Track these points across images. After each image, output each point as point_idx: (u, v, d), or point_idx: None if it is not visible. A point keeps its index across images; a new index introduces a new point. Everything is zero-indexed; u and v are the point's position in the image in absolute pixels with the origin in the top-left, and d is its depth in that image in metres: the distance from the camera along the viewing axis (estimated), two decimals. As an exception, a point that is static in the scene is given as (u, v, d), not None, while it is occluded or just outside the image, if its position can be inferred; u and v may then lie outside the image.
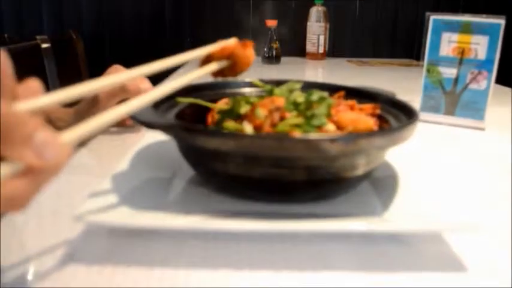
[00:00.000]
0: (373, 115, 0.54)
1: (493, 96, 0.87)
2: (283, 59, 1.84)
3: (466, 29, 0.86)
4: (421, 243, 0.43)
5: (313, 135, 0.41)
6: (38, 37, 1.41)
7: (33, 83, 0.27)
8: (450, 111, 0.91)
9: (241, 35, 2.15)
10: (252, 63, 0.52)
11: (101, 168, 0.59)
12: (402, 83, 1.48)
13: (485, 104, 0.87)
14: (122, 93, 0.71)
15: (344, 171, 0.43)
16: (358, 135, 0.38)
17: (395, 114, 0.53)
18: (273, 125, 0.49)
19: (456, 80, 0.89)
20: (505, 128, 0.87)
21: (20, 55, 1.30)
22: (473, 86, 0.88)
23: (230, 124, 0.49)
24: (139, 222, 0.38)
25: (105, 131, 0.76)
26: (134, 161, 0.54)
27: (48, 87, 1.55)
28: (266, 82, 0.63)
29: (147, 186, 0.48)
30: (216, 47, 0.52)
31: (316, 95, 0.50)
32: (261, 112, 0.49)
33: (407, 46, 2.16)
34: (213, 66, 0.51)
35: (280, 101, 0.52)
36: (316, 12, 1.90)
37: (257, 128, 0.47)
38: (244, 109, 0.48)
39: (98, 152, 0.69)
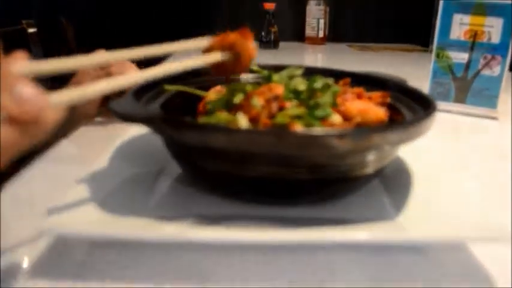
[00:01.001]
0: (382, 104, 0.48)
1: (506, 83, 0.81)
2: (282, 44, 1.77)
3: (479, 10, 0.80)
4: (439, 251, 0.37)
5: (318, 130, 0.35)
6: (23, 21, 1.34)
7: (20, 54, 0.28)
8: (460, 99, 0.85)
9: (237, 17, 2.08)
10: (255, 57, 0.46)
11: (78, 164, 0.53)
12: (406, 68, 1.42)
13: (499, 92, 0.81)
14: None
15: (353, 170, 0.37)
16: (370, 129, 0.33)
17: (407, 103, 0.47)
18: (271, 116, 0.44)
19: (467, 66, 0.83)
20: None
21: (3, 39, 1.23)
22: (485, 71, 0.82)
23: (222, 115, 0.43)
24: (114, 232, 0.32)
25: (90, 121, 0.70)
26: (116, 156, 0.49)
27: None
28: (263, 67, 0.57)
29: (128, 186, 0.42)
30: (214, 39, 0.46)
31: (319, 81, 0.44)
32: (257, 101, 0.43)
33: (410, 31, 2.09)
34: (215, 56, 0.45)
35: (278, 89, 0.46)
36: (315, -5, 1.83)
37: (253, 120, 0.42)
38: (238, 98, 0.43)
39: (78, 144, 0.63)
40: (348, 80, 0.52)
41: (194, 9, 2.04)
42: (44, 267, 0.33)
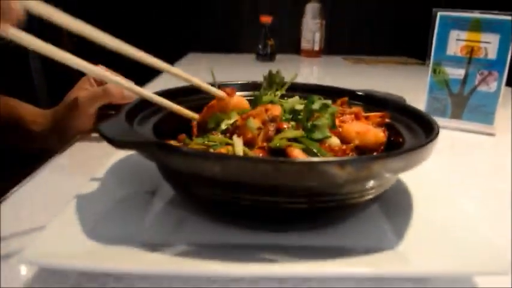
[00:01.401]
0: (381, 124, 0.47)
1: (503, 99, 0.80)
2: (278, 57, 1.77)
3: (476, 26, 0.80)
4: (442, 282, 0.36)
5: (317, 158, 0.33)
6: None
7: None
8: (457, 115, 0.84)
9: (235, 30, 2.08)
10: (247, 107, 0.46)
11: (70, 184, 0.52)
12: (402, 82, 1.42)
13: (495, 108, 0.81)
14: (104, 98, 0.64)
15: (352, 197, 0.36)
16: (372, 157, 0.32)
17: (406, 123, 0.46)
18: (268, 139, 0.42)
19: (464, 81, 0.82)
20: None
21: (2, 51, 1.22)
22: (482, 87, 0.81)
23: (217, 138, 0.42)
24: (100, 266, 0.30)
25: (85, 137, 0.69)
26: (110, 174, 0.47)
27: (34, 84, 1.47)
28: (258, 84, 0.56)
29: (120, 210, 0.41)
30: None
31: (317, 102, 0.43)
32: (254, 124, 0.42)
33: (404, 44, 2.10)
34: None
35: (276, 110, 0.45)
36: (311, 9, 1.83)
37: (249, 143, 0.40)
38: (225, 123, 0.41)
39: (71, 162, 0.61)
40: (346, 99, 0.51)
41: (192, 21, 2.04)
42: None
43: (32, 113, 0.75)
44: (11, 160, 0.85)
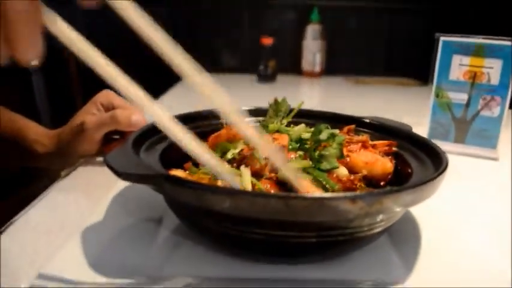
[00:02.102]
0: (388, 153, 0.47)
1: (506, 123, 0.80)
2: (279, 77, 1.78)
3: (479, 51, 0.80)
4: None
5: (329, 194, 0.33)
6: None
7: None
8: (460, 139, 0.84)
9: (236, 52, 2.10)
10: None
11: (74, 211, 0.51)
12: (402, 104, 1.42)
13: (499, 132, 0.81)
14: (111, 124, 0.64)
15: (361, 231, 0.35)
16: (384, 192, 0.31)
17: (414, 153, 0.46)
18: (275, 169, 0.42)
19: (467, 106, 0.82)
20: (521, 158, 0.81)
21: (5, 72, 1.22)
22: (485, 112, 0.81)
23: (225, 168, 0.42)
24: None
25: (89, 161, 0.68)
26: (114, 201, 0.47)
27: (36, 107, 1.47)
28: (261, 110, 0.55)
29: (124, 239, 0.40)
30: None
31: (325, 132, 0.43)
32: (260, 155, 0.42)
33: (404, 64, 2.11)
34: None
35: (283, 140, 0.45)
36: (312, 30, 1.85)
37: (256, 173, 0.40)
38: (232, 153, 0.41)
39: (75, 187, 0.61)
40: (353, 126, 0.51)
41: (194, 41, 2.05)
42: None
43: (36, 132, 0.74)
44: (10, 177, 0.85)
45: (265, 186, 0.38)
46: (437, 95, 0.84)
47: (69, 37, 0.29)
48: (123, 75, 0.31)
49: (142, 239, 0.42)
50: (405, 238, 0.43)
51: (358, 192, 0.34)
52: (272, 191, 0.38)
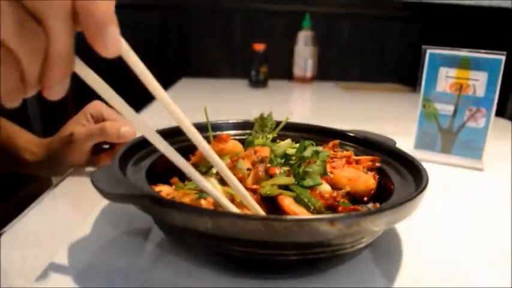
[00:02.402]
0: (371, 168, 0.48)
1: (492, 134, 0.82)
2: (271, 83, 1.79)
3: (464, 64, 0.81)
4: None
5: (307, 216, 0.34)
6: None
7: None
8: (446, 149, 0.85)
9: (228, 58, 2.11)
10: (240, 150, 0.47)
11: (62, 224, 0.51)
12: (392, 111, 1.44)
13: (484, 143, 0.82)
14: (100, 136, 0.64)
15: (343, 248, 0.36)
16: (361, 214, 0.32)
17: (397, 169, 0.47)
18: (258, 180, 0.43)
19: (453, 117, 0.84)
20: (505, 168, 0.82)
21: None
22: (471, 123, 0.83)
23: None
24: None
25: (78, 170, 0.68)
26: (103, 214, 0.47)
27: (27, 113, 1.46)
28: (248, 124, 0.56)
29: (110, 254, 0.40)
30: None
31: (309, 149, 0.44)
32: (243, 165, 0.43)
33: (395, 71, 2.13)
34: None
35: (264, 151, 0.46)
36: (304, 37, 1.86)
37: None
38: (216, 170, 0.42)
39: (63, 199, 0.61)
40: (337, 141, 0.52)
41: (185, 47, 2.06)
42: None
43: (26, 140, 0.74)
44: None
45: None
46: (424, 106, 0.86)
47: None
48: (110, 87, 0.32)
49: (128, 254, 0.42)
50: (387, 251, 0.44)
51: (336, 214, 0.35)
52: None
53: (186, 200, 0.38)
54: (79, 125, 0.68)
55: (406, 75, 2.07)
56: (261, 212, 0.38)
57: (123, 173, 0.40)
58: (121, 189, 0.34)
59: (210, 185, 0.37)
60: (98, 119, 0.69)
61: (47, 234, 0.48)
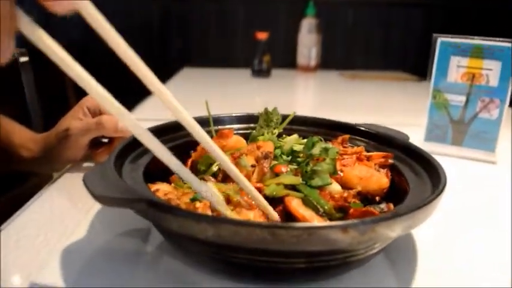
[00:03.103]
0: (384, 165, 0.45)
1: (506, 125, 0.79)
2: (274, 72, 1.75)
3: (477, 53, 0.78)
4: None
5: (318, 224, 0.31)
6: (16, 50, 1.30)
7: None
8: (458, 142, 0.82)
9: (231, 46, 2.07)
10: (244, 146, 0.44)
11: (57, 226, 0.49)
12: (399, 100, 1.40)
13: (497, 135, 0.79)
14: (97, 130, 0.61)
15: (354, 255, 0.33)
16: (377, 219, 0.29)
17: (411, 166, 0.44)
18: (262, 178, 0.40)
19: (465, 108, 0.80)
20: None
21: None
22: (483, 115, 0.79)
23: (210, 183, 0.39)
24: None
25: (76, 166, 0.66)
26: (101, 213, 0.45)
27: (27, 106, 1.43)
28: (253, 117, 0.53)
29: (108, 256, 0.38)
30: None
31: (317, 146, 0.41)
32: (247, 162, 0.40)
33: (400, 59, 2.09)
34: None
35: (268, 146, 0.43)
36: (307, 24, 1.82)
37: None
38: (217, 165, 0.39)
39: (60, 196, 0.58)
40: (347, 136, 0.49)
41: (187, 36, 2.02)
42: None
43: (22, 137, 0.72)
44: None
45: (247, 198, 0.36)
46: (434, 97, 0.82)
47: (44, 42, 0.27)
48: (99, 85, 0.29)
49: (126, 257, 0.39)
50: (401, 254, 0.41)
51: (349, 221, 0.32)
52: (253, 203, 0.36)
53: (185, 199, 0.35)
54: (75, 119, 0.65)
55: (411, 63, 2.04)
56: (273, 213, 0.36)
57: (119, 171, 0.38)
58: (114, 192, 0.31)
59: (206, 187, 0.34)
60: (96, 113, 0.66)
61: (43, 233, 0.45)
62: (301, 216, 0.35)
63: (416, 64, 1.96)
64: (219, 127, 0.53)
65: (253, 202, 0.36)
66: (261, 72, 1.71)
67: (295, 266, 0.33)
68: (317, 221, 0.35)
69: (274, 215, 0.36)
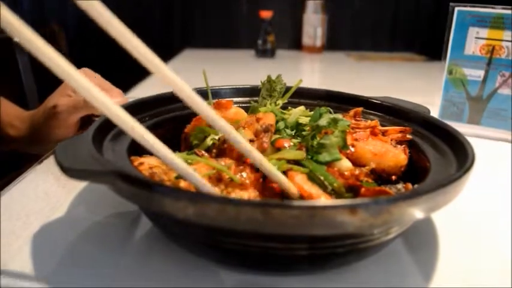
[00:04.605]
0: (401, 141, 0.40)
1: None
2: (278, 53, 1.69)
3: (498, 23, 0.72)
4: None
5: (322, 202, 0.25)
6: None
7: None
8: (475, 120, 0.77)
9: (233, 25, 2.00)
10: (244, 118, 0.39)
11: (43, 204, 0.44)
12: (409, 81, 1.34)
13: (517, 113, 0.73)
14: (85, 109, 0.56)
15: (365, 241, 0.29)
16: (392, 199, 0.24)
17: (432, 142, 0.38)
18: (262, 153, 0.35)
19: (483, 83, 0.75)
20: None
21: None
22: (503, 90, 0.74)
23: (202, 159, 0.34)
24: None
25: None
26: (88, 196, 0.40)
27: (22, 85, 1.39)
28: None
29: (96, 237, 0.34)
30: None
31: (325, 117, 0.35)
32: (245, 135, 0.35)
33: (408, 39, 2.01)
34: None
35: (269, 118, 0.38)
36: (313, 3, 1.74)
37: (239, 160, 0.33)
38: (211, 139, 0.34)
39: (46, 178, 0.53)
40: (360, 109, 0.44)
41: (188, 16, 1.95)
42: None
43: (10, 114, 0.67)
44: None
45: (240, 175, 0.31)
46: (450, 72, 0.77)
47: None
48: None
49: (114, 238, 0.35)
50: (420, 238, 0.37)
51: (359, 200, 0.27)
52: (248, 182, 0.31)
53: (172, 175, 0.30)
54: (64, 96, 0.60)
55: (421, 43, 1.96)
56: (293, 189, 0.30)
57: (99, 144, 0.33)
58: (84, 164, 0.26)
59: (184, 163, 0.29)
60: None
61: (24, 217, 0.41)
62: (307, 193, 0.30)
63: (426, 44, 1.89)
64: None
65: (270, 178, 0.30)
66: (265, 53, 1.65)
67: (295, 254, 0.28)
68: (325, 200, 0.30)
69: (295, 192, 0.30)
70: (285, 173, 0.32)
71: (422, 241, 0.36)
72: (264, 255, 0.28)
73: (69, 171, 0.26)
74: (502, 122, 0.74)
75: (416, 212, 0.26)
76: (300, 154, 0.33)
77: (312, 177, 0.32)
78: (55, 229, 0.36)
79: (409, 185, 0.35)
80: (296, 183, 0.31)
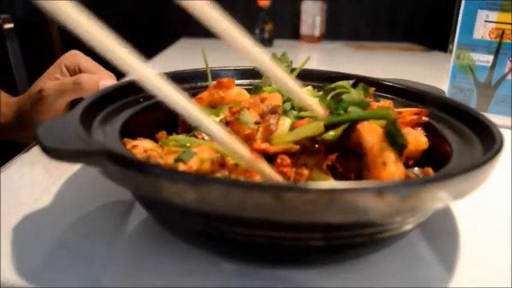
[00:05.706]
0: (417, 124, 0.37)
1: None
2: (276, 42, 1.66)
3: (508, 6, 0.69)
4: None
5: (344, 185, 0.22)
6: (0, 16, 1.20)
7: None
8: (483, 107, 0.74)
9: (230, 14, 1.95)
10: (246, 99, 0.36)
11: (29, 192, 0.41)
12: (411, 71, 1.31)
13: (527, 100, 0.71)
14: (73, 92, 0.53)
15: (387, 229, 0.26)
16: (423, 181, 0.21)
17: (451, 125, 0.35)
18: (270, 135, 0.32)
19: (492, 69, 0.72)
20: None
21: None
22: (512, 76, 0.71)
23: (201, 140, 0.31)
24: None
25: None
26: (77, 184, 0.37)
27: (12, 74, 1.35)
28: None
29: (88, 228, 0.31)
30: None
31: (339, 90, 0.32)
32: (249, 117, 0.32)
33: (408, 29, 1.98)
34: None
35: (275, 99, 0.35)
36: (312, -8, 1.71)
37: (245, 143, 0.30)
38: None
39: (33, 166, 0.50)
40: (372, 89, 0.41)
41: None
42: None
43: None
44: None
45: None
46: (458, 57, 0.74)
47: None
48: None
49: (107, 229, 0.32)
50: (439, 228, 0.34)
51: (385, 182, 0.24)
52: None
53: (170, 159, 0.27)
54: (52, 79, 0.57)
55: (418, 34, 1.93)
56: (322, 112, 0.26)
57: (88, 124, 0.30)
58: (70, 144, 0.23)
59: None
60: (75, 71, 0.57)
61: (6, 208, 0.38)
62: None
63: (425, 34, 1.86)
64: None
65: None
66: (263, 42, 1.62)
67: (311, 244, 0.25)
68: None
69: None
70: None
71: (437, 226, 0.33)
72: (272, 245, 0.25)
73: (53, 151, 0.23)
74: (510, 110, 0.72)
75: (447, 196, 0.23)
76: (317, 126, 0.30)
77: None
78: (41, 221, 0.33)
79: (429, 169, 0.32)
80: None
